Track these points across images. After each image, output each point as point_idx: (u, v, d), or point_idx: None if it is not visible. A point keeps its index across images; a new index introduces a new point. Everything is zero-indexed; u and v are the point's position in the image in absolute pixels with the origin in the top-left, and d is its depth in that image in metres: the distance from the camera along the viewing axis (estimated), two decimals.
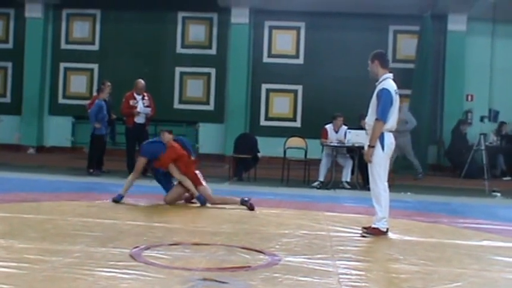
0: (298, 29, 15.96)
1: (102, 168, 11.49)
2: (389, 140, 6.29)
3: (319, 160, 11.18)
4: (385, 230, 6.31)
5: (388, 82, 6.36)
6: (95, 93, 12.91)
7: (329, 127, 11.24)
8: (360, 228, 6.41)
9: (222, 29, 15.92)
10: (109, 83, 11.67)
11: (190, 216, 7.17)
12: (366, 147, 6.39)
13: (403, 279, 4.47)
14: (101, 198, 8.06)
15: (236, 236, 5.87)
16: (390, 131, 6.33)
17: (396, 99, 6.34)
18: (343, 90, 15.28)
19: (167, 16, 16.16)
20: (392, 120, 6.30)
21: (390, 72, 6.47)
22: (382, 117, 6.22)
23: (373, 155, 6.23)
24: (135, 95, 11.46)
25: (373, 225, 6.30)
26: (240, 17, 15.45)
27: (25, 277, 4.01)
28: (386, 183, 6.32)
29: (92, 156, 11.50)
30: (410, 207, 8.64)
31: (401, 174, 13.19)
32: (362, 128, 11.13)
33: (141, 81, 11.57)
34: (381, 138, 6.22)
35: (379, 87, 6.37)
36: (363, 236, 6.25)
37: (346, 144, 10.88)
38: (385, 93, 6.27)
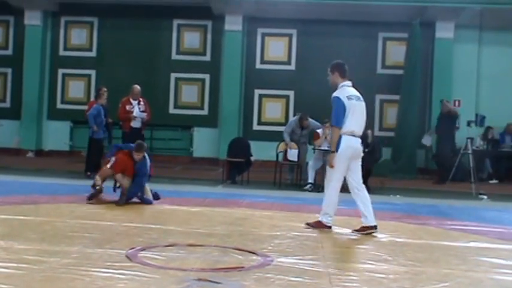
0: (290, 36, 16.06)
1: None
2: (348, 143, 6.49)
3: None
4: (329, 225, 6.62)
5: (342, 90, 6.61)
6: (92, 99, 13.02)
7: (320, 131, 11.43)
8: (349, 230, 6.57)
9: (216, 36, 16.01)
10: (105, 89, 11.72)
11: (185, 218, 7.16)
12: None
13: (392, 280, 4.48)
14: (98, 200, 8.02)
15: (230, 238, 5.90)
16: (351, 135, 6.54)
17: (354, 104, 6.54)
18: None
19: (163, 23, 16.26)
20: (351, 125, 6.51)
21: (349, 80, 6.74)
22: (335, 123, 6.51)
23: (333, 159, 6.49)
24: (131, 100, 11.46)
25: (319, 219, 6.66)
26: (233, 24, 15.55)
27: (24, 277, 4.03)
28: (339, 183, 6.58)
29: (89, 159, 11.56)
30: (399, 210, 8.70)
31: (391, 178, 13.47)
32: None
33: (137, 87, 11.59)
34: (338, 141, 6.47)
35: (332, 95, 6.67)
36: (307, 228, 6.63)
37: None
38: (335, 101, 6.54)
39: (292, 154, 11.48)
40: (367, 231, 6.50)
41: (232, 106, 15.61)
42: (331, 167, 6.55)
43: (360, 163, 6.71)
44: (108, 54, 16.40)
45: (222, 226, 6.59)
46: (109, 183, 8.27)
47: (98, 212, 7.25)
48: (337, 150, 6.46)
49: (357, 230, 6.56)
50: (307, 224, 6.75)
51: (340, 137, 6.48)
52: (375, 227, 6.51)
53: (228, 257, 5.04)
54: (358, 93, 6.70)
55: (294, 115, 15.69)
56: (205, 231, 6.22)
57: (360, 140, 6.64)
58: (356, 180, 6.63)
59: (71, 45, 16.58)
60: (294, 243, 5.77)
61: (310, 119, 11.75)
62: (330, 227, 6.63)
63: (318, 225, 6.63)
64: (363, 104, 6.72)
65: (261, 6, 15.56)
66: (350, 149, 6.51)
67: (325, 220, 6.63)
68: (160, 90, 16.08)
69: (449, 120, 13.65)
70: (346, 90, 6.62)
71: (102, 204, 7.81)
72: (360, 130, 6.65)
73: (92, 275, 4.18)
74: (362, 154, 6.81)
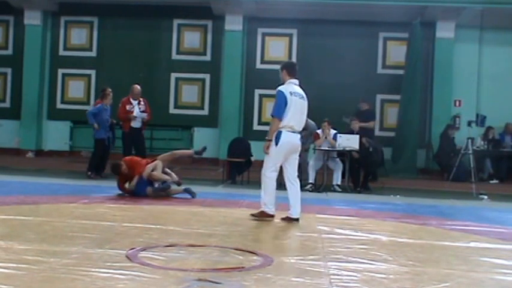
0: (290, 36, 16.08)
1: (102, 173, 11.42)
2: (287, 138, 6.86)
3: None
4: (271, 213, 7.01)
5: (287, 85, 7.02)
6: (97, 99, 12.97)
7: (320, 132, 11.42)
8: (349, 231, 6.57)
9: (217, 36, 16.03)
10: (110, 89, 11.73)
11: (185, 218, 7.16)
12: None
13: (393, 280, 4.49)
14: (98, 201, 8.10)
15: (230, 238, 5.90)
16: (291, 131, 6.90)
17: (295, 101, 6.90)
18: (334, 96, 15.43)
19: (163, 23, 16.29)
20: (290, 121, 6.86)
21: (296, 79, 7.11)
22: (275, 114, 6.90)
23: (269, 147, 6.88)
24: (131, 100, 11.46)
25: (261, 209, 7.03)
26: (233, 24, 15.57)
27: (24, 277, 4.03)
28: (274, 174, 6.95)
29: (92, 159, 11.62)
30: (400, 210, 8.71)
31: (391, 178, 13.45)
32: (352, 132, 11.51)
33: (137, 87, 11.59)
34: (278, 135, 6.84)
35: (277, 89, 7.06)
36: (253, 219, 6.98)
37: (337, 148, 11.06)
38: (278, 94, 6.94)
39: None
40: (289, 221, 6.99)
41: (233, 106, 15.63)
42: (267, 153, 6.94)
43: (297, 157, 7.12)
44: (108, 54, 16.42)
45: (222, 226, 6.59)
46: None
47: (98, 212, 7.26)
48: (276, 144, 6.82)
49: (283, 219, 7.04)
50: (252, 214, 7.10)
51: (280, 132, 6.83)
52: (297, 220, 7.00)
53: (228, 257, 5.04)
54: (302, 93, 7.08)
55: None
56: (206, 232, 6.21)
57: (298, 136, 7.02)
58: (292, 173, 7.06)
59: (71, 45, 16.60)
60: (295, 243, 5.78)
61: (308, 120, 11.72)
62: (272, 216, 7.01)
63: (262, 215, 7.02)
64: (305, 103, 7.08)
65: (261, 6, 15.60)
66: (288, 144, 6.90)
67: (267, 209, 7.02)
68: (160, 90, 16.10)
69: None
70: (291, 87, 7.02)
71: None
72: (299, 126, 7.01)
73: (92, 275, 4.18)
74: (300, 149, 7.16)
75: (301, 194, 9.68)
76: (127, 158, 9.63)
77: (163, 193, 8.90)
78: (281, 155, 6.90)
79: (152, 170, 8.90)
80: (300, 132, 7.07)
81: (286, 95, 6.87)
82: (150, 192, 8.85)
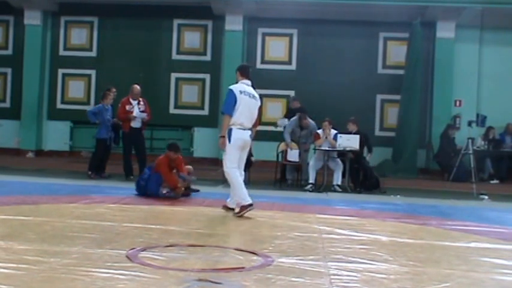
0: (290, 36, 16.10)
1: (102, 173, 11.42)
2: (237, 135, 7.36)
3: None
4: (249, 203, 7.35)
5: (239, 85, 7.56)
6: (100, 100, 12.95)
7: (321, 132, 11.43)
8: (349, 231, 6.58)
9: (217, 36, 16.05)
10: (114, 89, 11.77)
11: (186, 218, 7.18)
12: None
13: (393, 280, 4.50)
14: (98, 201, 8.10)
15: (230, 238, 5.92)
16: (241, 128, 7.37)
17: (245, 99, 7.39)
18: (334, 96, 15.45)
19: (163, 23, 16.30)
20: (239, 118, 7.35)
21: (248, 79, 7.65)
22: (223, 110, 7.44)
23: (224, 144, 7.39)
24: (131, 100, 11.40)
25: (241, 205, 7.38)
26: (234, 24, 15.58)
27: (24, 278, 4.03)
28: (236, 170, 7.40)
29: (92, 159, 11.62)
30: (400, 210, 8.71)
31: (391, 178, 13.43)
32: (350, 132, 11.50)
33: (137, 87, 11.54)
34: (229, 132, 7.34)
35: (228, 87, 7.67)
36: (238, 216, 7.27)
37: (337, 148, 11.07)
38: (228, 92, 7.51)
39: (293, 154, 11.48)
40: (226, 210, 7.59)
41: None
42: (223, 150, 7.53)
43: (247, 152, 7.70)
44: (108, 54, 16.44)
45: (222, 226, 6.60)
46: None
47: (98, 212, 7.26)
48: (229, 141, 7.31)
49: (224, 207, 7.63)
50: (235, 213, 7.40)
51: (231, 129, 7.33)
52: (233, 209, 7.50)
53: (228, 257, 5.04)
54: (254, 92, 7.59)
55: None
56: (206, 232, 6.22)
57: (249, 132, 7.47)
58: (240, 166, 7.59)
59: (71, 45, 16.63)
60: (295, 244, 5.75)
61: (308, 119, 11.73)
62: (251, 204, 7.35)
63: (243, 209, 7.35)
64: (257, 102, 7.61)
65: (262, 6, 15.61)
66: (240, 140, 7.39)
67: (243, 202, 7.38)
68: (160, 90, 16.12)
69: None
70: (242, 86, 7.54)
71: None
72: (248, 123, 7.45)
73: (92, 275, 4.18)
74: (250, 145, 7.70)
75: (302, 194, 9.77)
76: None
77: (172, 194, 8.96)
78: (236, 150, 7.39)
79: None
80: (250, 129, 7.49)
81: (235, 93, 7.38)
82: (161, 192, 8.90)
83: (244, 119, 7.39)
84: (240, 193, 7.39)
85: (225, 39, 15.81)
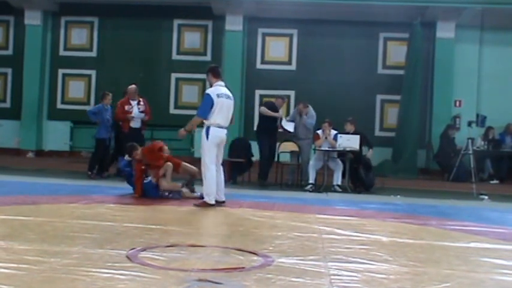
0: (290, 36, 16.11)
1: (103, 173, 11.45)
2: (215, 133, 7.88)
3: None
4: (212, 203, 7.85)
5: (215, 88, 8.00)
6: (99, 100, 12.91)
7: (320, 132, 11.45)
8: (349, 231, 6.58)
9: (217, 36, 16.06)
10: (110, 94, 11.75)
11: (186, 218, 7.16)
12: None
13: (393, 280, 4.50)
14: (98, 201, 8.09)
15: (230, 238, 5.92)
16: (218, 127, 7.89)
17: (222, 101, 7.88)
18: (334, 96, 15.46)
19: (163, 23, 16.31)
20: (217, 118, 7.87)
21: (222, 81, 8.14)
22: (199, 114, 7.98)
23: (183, 136, 8.24)
24: (130, 100, 11.37)
25: (204, 200, 7.91)
26: (234, 24, 15.59)
27: (24, 278, 4.02)
28: (213, 166, 7.87)
29: (92, 159, 11.64)
30: (400, 210, 8.72)
31: (392, 178, 13.43)
32: (348, 133, 11.51)
33: (133, 87, 11.45)
34: (207, 130, 7.86)
35: (205, 92, 8.17)
36: (196, 207, 7.78)
37: (337, 149, 11.09)
38: (205, 97, 7.98)
39: (289, 124, 11.49)
40: (218, 204, 7.92)
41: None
42: (181, 138, 8.44)
43: (223, 149, 8.17)
44: (108, 54, 16.46)
45: (222, 227, 6.60)
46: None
47: (98, 212, 7.26)
48: (207, 139, 7.83)
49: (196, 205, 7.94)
50: (195, 204, 7.92)
51: (208, 128, 7.85)
52: (223, 202, 8.07)
53: (228, 257, 5.04)
54: (228, 93, 8.06)
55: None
56: (206, 232, 6.25)
57: (225, 131, 8.01)
58: (218, 162, 8.06)
59: (71, 45, 16.64)
60: (295, 244, 5.74)
61: (309, 107, 11.80)
62: (213, 205, 7.84)
63: (203, 205, 7.83)
64: (232, 102, 8.12)
65: (262, 6, 15.61)
66: (217, 137, 7.92)
67: (208, 199, 7.88)
68: (160, 90, 16.13)
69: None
70: (218, 89, 7.98)
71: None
72: (225, 123, 8.01)
73: (93, 275, 4.17)
74: (225, 142, 8.17)
75: (302, 194, 9.80)
76: (148, 145, 9.63)
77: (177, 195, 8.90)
78: (213, 146, 7.88)
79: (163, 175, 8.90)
80: (226, 128, 7.99)
81: (213, 97, 7.85)
82: (163, 194, 8.88)
83: (221, 120, 7.92)
84: (210, 190, 7.86)
85: (225, 39, 15.82)
